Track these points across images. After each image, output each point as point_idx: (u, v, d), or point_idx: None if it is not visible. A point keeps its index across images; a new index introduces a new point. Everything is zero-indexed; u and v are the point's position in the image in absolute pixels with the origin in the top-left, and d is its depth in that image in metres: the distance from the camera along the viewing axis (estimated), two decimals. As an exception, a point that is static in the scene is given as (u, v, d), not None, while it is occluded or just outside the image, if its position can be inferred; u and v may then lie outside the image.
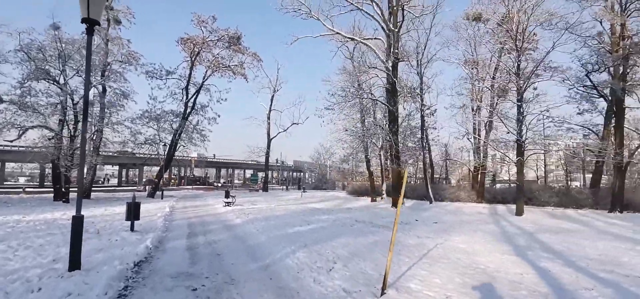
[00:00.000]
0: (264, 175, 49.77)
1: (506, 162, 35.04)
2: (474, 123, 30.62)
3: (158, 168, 31.90)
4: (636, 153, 21.40)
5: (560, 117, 21.15)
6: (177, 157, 32.36)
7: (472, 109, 30.40)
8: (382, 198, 29.99)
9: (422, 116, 29.48)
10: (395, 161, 22.71)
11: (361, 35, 25.62)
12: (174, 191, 44.36)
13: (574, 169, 44.21)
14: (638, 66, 21.17)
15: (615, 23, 20.15)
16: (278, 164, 67.23)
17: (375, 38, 24.94)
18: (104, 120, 25.41)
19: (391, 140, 22.36)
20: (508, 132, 20.56)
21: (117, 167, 66.52)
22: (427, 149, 29.15)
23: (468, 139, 31.56)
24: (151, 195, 29.91)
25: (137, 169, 64.12)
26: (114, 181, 69.32)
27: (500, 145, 22.31)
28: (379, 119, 26.47)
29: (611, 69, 20.81)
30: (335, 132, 30.68)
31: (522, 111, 19.47)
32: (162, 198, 27.79)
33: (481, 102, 29.57)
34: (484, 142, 29.33)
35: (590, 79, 20.85)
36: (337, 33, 24.15)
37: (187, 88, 30.43)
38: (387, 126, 23.18)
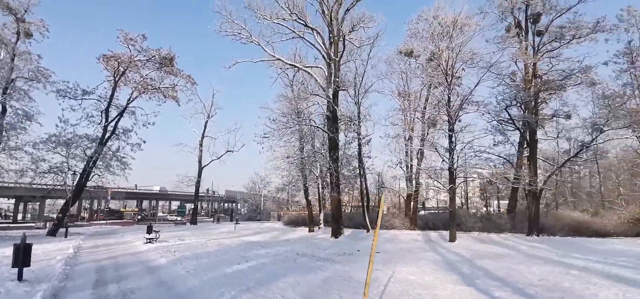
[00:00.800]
0: (193, 207, 45.95)
1: (437, 189, 36.74)
2: (407, 152, 31.82)
3: (64, 201, 27.40)
4: (548, 181, 23.49)
5: (481, 147, 22.70)
6: (90, 188, 28.10)
7: (405, 139, 31.60)
8: (319, 228, 29.17)
9: (359, 145, 29.77)
10: (335, 189, 22.16)
11: (302, 62, 25.31)
12: (83, 227, 38.43)
13: (489, 195, 48.06)
14: (546, 103, 23.69)
15: (529, 63, 22.48)
16: (209, 195, 63.10)
17: (316, 66, 24.77)
18: (0, 144, 21.36)
19: (331, 168, 21.84)
20: (442, 161, 21.32)
21: (13, 201, 56.79)
22: (363, 177, 29.30)
23: (401, 167, 32.63)
24: (52, 233, 25.21)
25: (38, 203, 55.44)
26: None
27: (432, 172, 23.06)
28: (317, 146, 25.96)
29: (524, 104, 22.95)
30: (273, 160, 29.47)
31: (453, 140, 20.35)
32: (66, 236, 23.63)
33: (413, 132, 30.92)
34: (417, 170, 30.57)
35: (508, 113, 22.73)
36: (278, 59, 23.54)
37: (107, 110, 27.01)
38: (327, 153, 22.69)
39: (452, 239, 19.29)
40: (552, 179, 26.62)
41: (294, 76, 28.13)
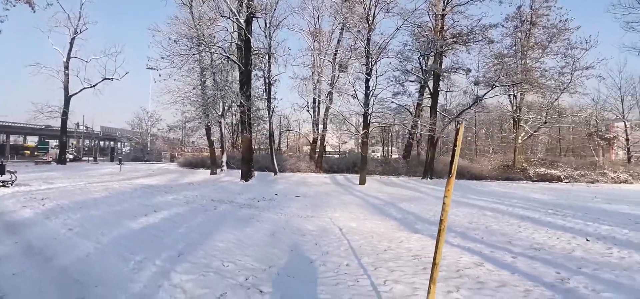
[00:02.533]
0: (59, 144, 37.77)
1: (339, 134, 37.42)
2: (315, 96, 31.21)
3: None
4: (445, 129, 25.58)
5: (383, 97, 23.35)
6: None
7: (314, 82, 30.78)
8: (222, 170, 26.97)
9: (269, 83, 27.67)
10: (246, 129, 20.09)
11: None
12: None
13: (384, 141, 51.52)
14: (445, 56, 25.14)
15: (438, 15, 23.25)
16: (80, 130, 53.01)
17: (225, -16, 21.06)
18: None
19: (243, 105, 19.51)
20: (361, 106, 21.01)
21: None
22: (271, 118, 27.73)
23: (307, 111, 32.06)
24: None
25: None
26: None
27: (346, 116, 22.77)
28: (219, 81, 22.86)
29: (434, 55, 23.98)
30: (167, 94, 25.30)
31: (369, 86, 20.11)
32: None
33: (322, 74, 30.22)
34: (326, 114, 30.31)
35: (420, 62, 23.46)
36: (178, -33, 19.20)
37: None
38: (237, 88, 20.18)
39: (362, 182, 19.58)
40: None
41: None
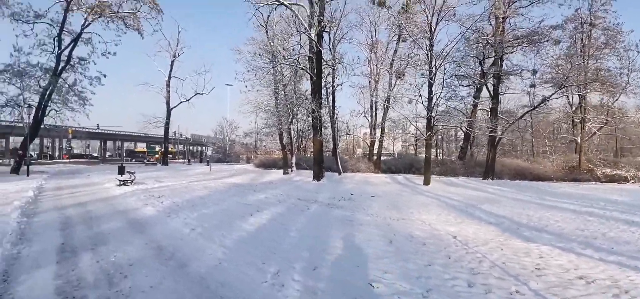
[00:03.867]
0: (163, 148, 40.68)
1: (394, 137, 35.55)
2: (372, 102, 30.06)
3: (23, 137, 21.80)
4: (506, 131, 22.87)
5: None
6: (49, 126, 22.42)
7: (371, 89, 29.66)
8: (291, 171, 26.77)
9: (333, 91, 27.02)
10: (318, 133, 19.51)
11: (282, -1, 21.06)
12: (46, 166, 32.38)
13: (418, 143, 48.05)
14: (508, 60, 22.47)
15: (499, 19, 20.78)
16: (176, 137, 56.95)
17: (297, 4, 20.73)
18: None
19: (316, 112, 18.94)
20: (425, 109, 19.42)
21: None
22: (335, 123, 27.00)
23: (365, 116, 30.88)
24: (15, 170, 20.42)
25: (4, 141, 46.29)
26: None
27: (411, 120, 21.23)
28: (289, 92, 22.65)
29: (495, 58, 21.56)
30: (245, 104, 25.82)
31: (432, 91, 18.45)
32: (28, 175, 18.75)
33: (378, 82, 28.96)
34: (382, 119, 28.90)
35: (480, 65, 21.15)
36: (257, -8, 19.12)
37: (59, 36, 20.90)
38: (309, 97, 19.69)
39: (427, 182, 17.88)
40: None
41: (268, 16, 23.87)
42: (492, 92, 22.40)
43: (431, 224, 7.06)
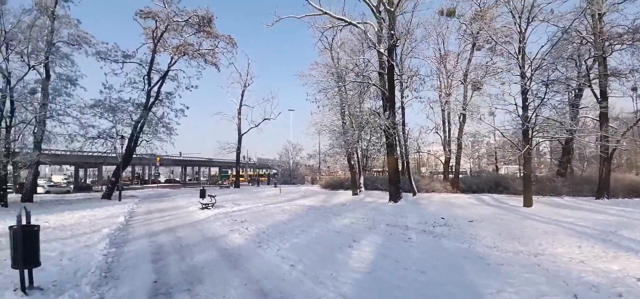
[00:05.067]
0: (235, 172, 42.60)
1: (471, 153, 31.97)
2: (443, 116, 27.36)
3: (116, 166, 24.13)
4: (619, 141, 18.61)
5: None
6: (139, 155, 24.54)
7: (441, 103, 27.08)
8: (360, 191, 25.25)
9: (403, 107, 25.27)
10: (392, 151, 17.88)
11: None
12: (136, 190, 36.04)
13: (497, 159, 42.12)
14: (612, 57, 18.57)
15: (595, 16, 17.24)
16: (245, 161, 59.69)
17: (365, 22, 19.85)
18: (46, 109, 17.93)
19: (389, 128, 17.42)
20: (514, 120, 16.62)
21: (72, 168, 54.73)
22: (406, 140, 24.92)
23: (437, 132, 28.11)
24: (107, 196, 22.21)
25: (96, 169, 53.04)
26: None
27: (506, 134, 18.41)
28: (361, 109, 21.53)
29: (594, 59, 17.96)
30: (312, 126, 25.45)
31: (527, 99, 15.70)
32: (119, 199, 20.32)
33: (449, 96, 26.25)
34: (459, 134, 25.98)
35: (586, 67, 17.71)
36: (326, 13, 18.66)
37: (149, 75, 22.93)
38: (383, 113, 18.24)
39: (528, 204, 14.85)
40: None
41: (332, 38, 23.41)
42: (599, 96, 18.53)
43: (586, 262, 5.04)
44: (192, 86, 24.90)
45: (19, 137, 17.12)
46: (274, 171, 68.12)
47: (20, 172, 18.11)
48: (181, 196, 23.81)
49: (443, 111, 27.41)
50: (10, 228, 3.70)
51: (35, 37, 17.03)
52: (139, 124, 22.45)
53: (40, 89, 17.81)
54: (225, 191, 30.83)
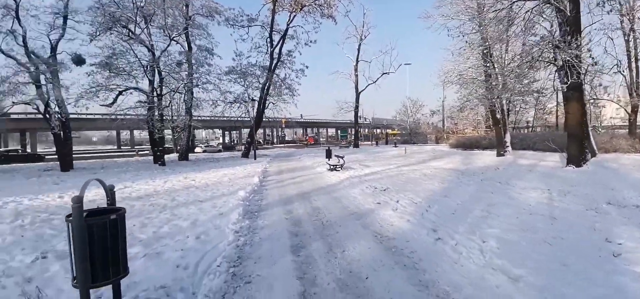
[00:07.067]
0: (354, 131, 41.82)
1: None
2: (629, 47, 18.73)
3: (249, 128, 26.16)
4: None
5: None
6: (268, 118, 25.78)
7: (625, 32, 18.48)
8: (506, 152, 20.00)
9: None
10: (576, 91, 12.51)
11: None
12: (267, 150, 40.36)
13: None
14: None
15: None
16: (361, 122, 58.49)
17: None
18: (192, 78, 19.86)
19: (572, 60, 12.03)
20: None
21: (220, 132, 65.19)
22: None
23: (620, 71, 19.44)
24: (245, 155, 24.47)
25: (238, 132, 61.43)
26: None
27: None
28: (528, 41, 15.93)
29: None
30: (443, 75, 20.96)
31: None
32: (255, 158, 21.68)
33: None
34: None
35: None
36: None
37: (270, 36, 23.07)
38: (566, 40, 12.77)
39: None
40: None
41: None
42: None
43: None
44: (310, 41, 24.23)
45: (169, 104, 19.38)
46: (389, 130, 64.92)
47: (181, 135, 20.80)
48: (306, 155, 24.08)
49: (627, 41, 19.04)
50: (67, 218, 2.20)
51: (171, 11, 18.47)
52: (265, 87, 23.12)
53: (185, 61, 19.75)
54: (345, 151, 29.98)
